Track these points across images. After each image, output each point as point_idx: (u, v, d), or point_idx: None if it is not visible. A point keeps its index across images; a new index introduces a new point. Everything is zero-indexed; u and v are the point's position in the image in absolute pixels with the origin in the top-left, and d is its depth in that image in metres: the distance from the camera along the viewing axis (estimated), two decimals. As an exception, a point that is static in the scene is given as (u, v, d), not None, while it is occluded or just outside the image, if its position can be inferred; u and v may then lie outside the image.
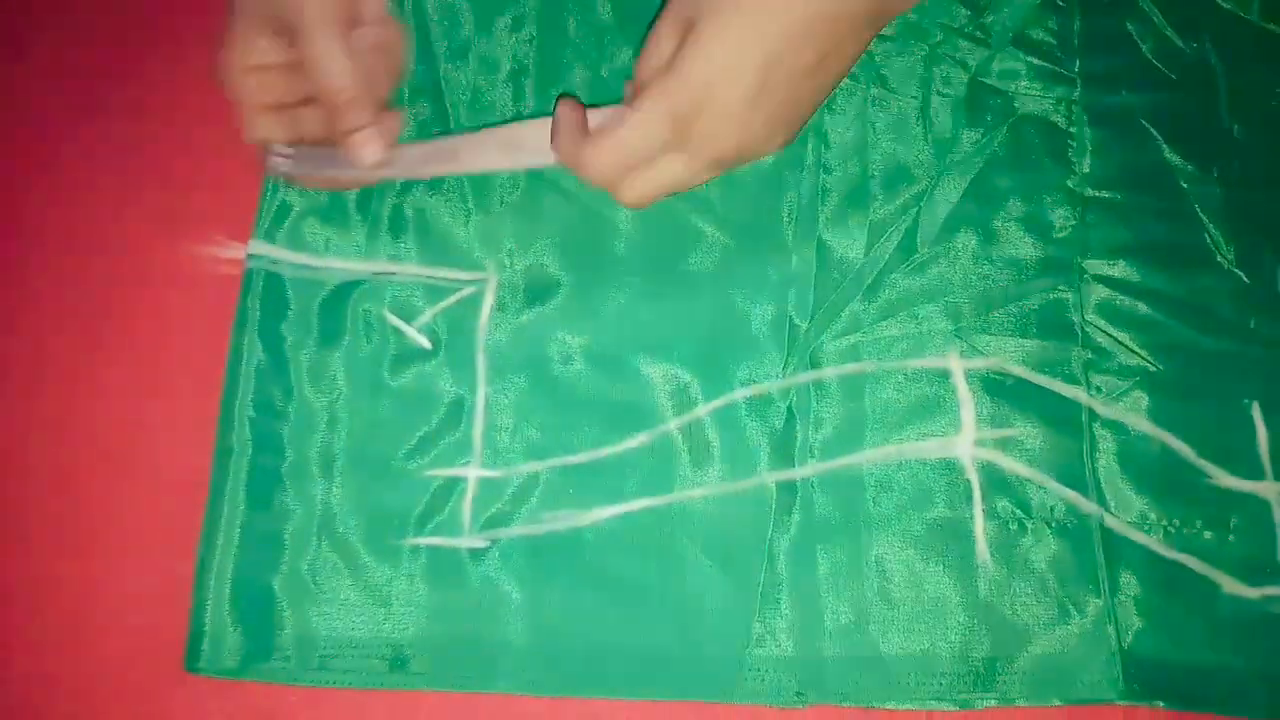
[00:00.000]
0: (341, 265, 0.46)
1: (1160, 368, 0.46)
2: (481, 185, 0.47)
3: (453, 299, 0.46)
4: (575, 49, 0.49)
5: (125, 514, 0.44)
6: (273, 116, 0.44)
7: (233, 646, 0.42)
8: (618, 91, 0.47)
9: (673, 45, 0.41)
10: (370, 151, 0.43)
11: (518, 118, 0.48)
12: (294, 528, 0.43)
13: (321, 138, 0.44)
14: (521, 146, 0.45)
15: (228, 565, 0.43)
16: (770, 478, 0.44)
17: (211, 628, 0.42)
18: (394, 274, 0.46)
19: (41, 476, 0.45)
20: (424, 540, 0.43)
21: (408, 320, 0.46)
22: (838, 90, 0.48)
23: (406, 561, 0.43)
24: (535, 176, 0.48)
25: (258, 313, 0.46)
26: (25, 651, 0.43)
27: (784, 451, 0.45)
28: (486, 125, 0.47)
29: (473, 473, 0.44)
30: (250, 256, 0.46)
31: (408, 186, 0.47)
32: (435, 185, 0.47)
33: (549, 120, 0.44)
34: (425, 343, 0.45)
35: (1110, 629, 0.43)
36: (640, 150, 0.41)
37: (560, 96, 0.44)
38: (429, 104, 0.48)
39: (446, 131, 0.48)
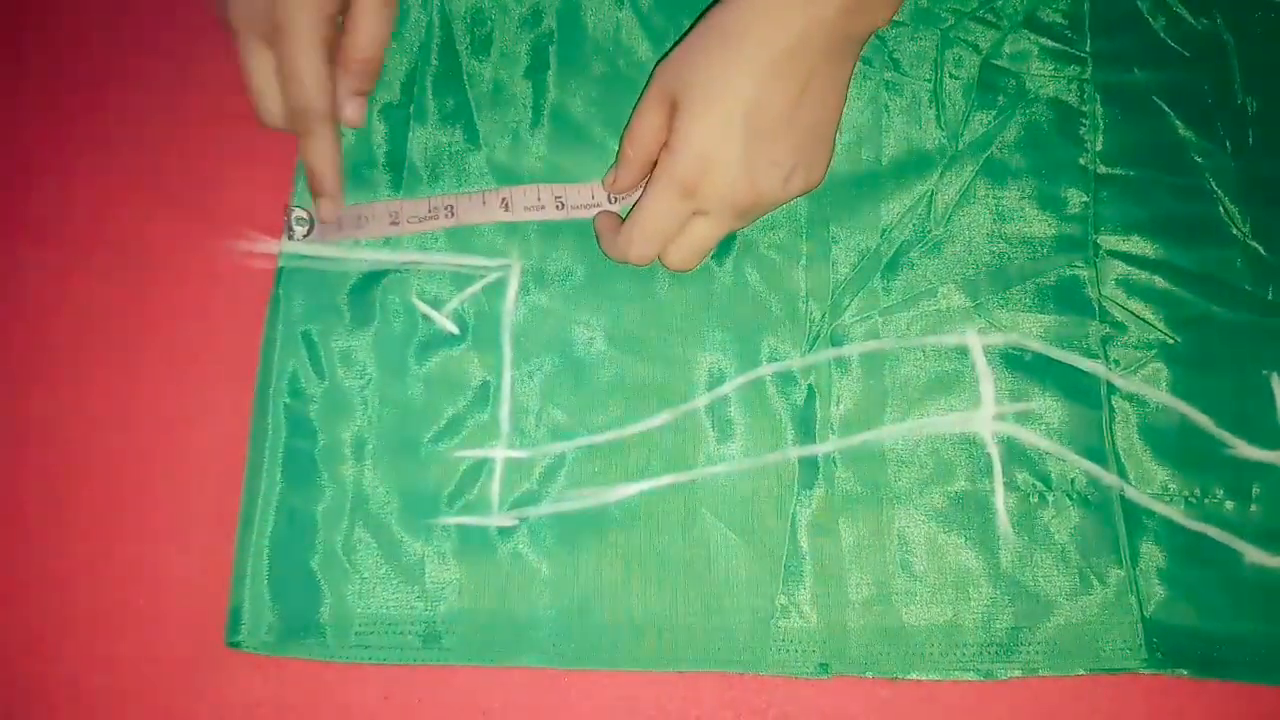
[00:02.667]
0: (371, 256, 0.48)
1: (1178, 340, 0.46)
2: (505, 174, 0.49)
3: (478, 285, 0.47)
4: (594, 43, 0.51)
5: (168, 499, 0.46)
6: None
7: (270, 623, 0.43)
8: (635, 85, 0.48)
9: (658, 120, 0.44)
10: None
11: (537, 111, 0.49)
12: (328, 508, 0.44)
13: None
14: (513, 205, 0.47)
15: (264, 545, 0.44)
16: (793, 453, 0.45)
17: (250, 604, 0.43)
18: (421, 263, 0.47)
19: (86, 465, 0.46)
20: (454, 520, 0.44)
21: (435, 306, 0.47)
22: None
23: (437, 540, 0.44)
24: (554, 168, 0.49)
25: (290, 303, 0.47)
26: (77, 631, 0.44)
27: (806, 428, 0.45)
28: (504, 126, 0.49)
29: (500, 454, 0.45)
30: (283, 255, 0.48)
31: (434, 176, 0.49)
32: (461, 178, 0.49)
33: (537, 186, 0.48)
34: (453, 328, 0.47)
35: (1132, 599, 0.43)
36: (663, 227, 0.44)
37: (600, 213, 0.47)
38: (452, 98, 0.50)
39: (471, 124, 0.49)
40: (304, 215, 0.48)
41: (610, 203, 0.48)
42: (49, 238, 0.49)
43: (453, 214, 0.47)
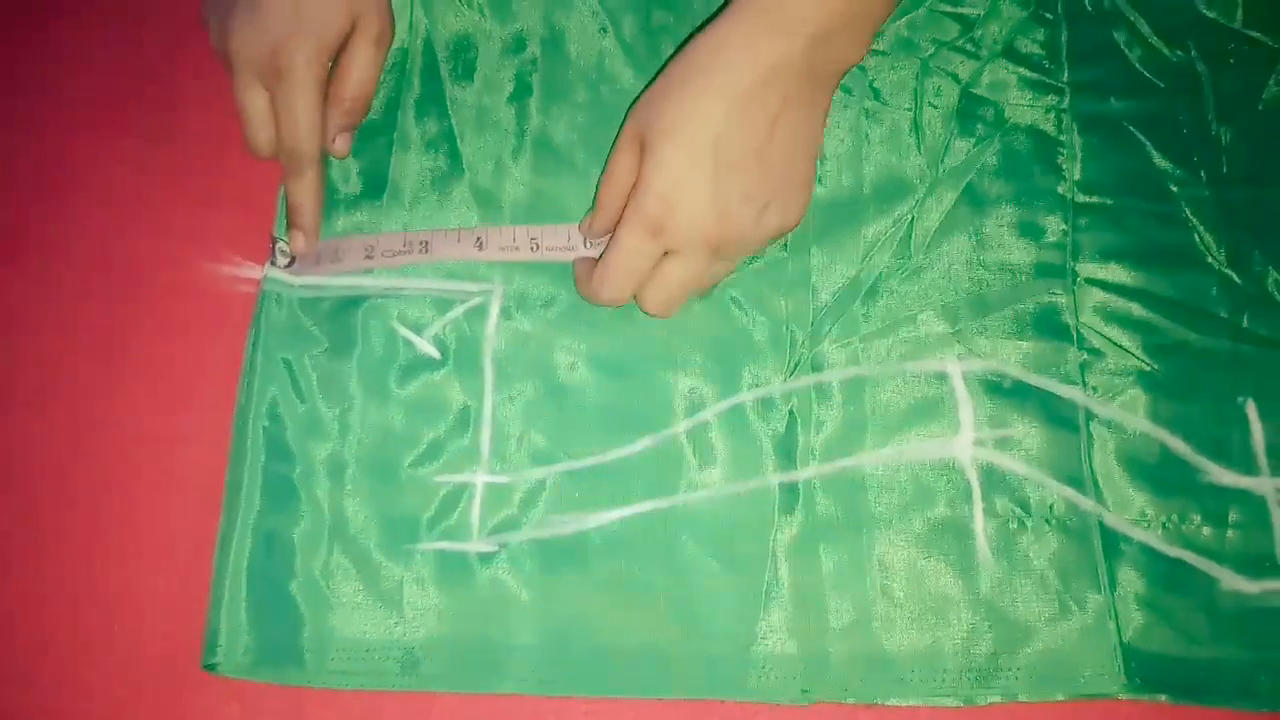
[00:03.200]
0: (353, 281, 0.48)
1: (1155, 367, 0.46)
2: (487, 199, 0.49)
3: (460, 310, 0.47)
4: (577, 70, 0.51)
5: (147, 519, 0.45)
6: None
7: (247, 645, 0.43)
8: (618, 112, 0.49)
9: (630, 161, 0.44)
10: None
11: (520, 138, 0.50)
12: (307, 532, 0.44)
13: None
14: (488, 244, 0.47)
15: (243, 568, 0.44)
16: (773, 479, 0.45)
17: (227, 626, 0.43)
18: (403, 288, 0.47)
19: (64, 484, 0.46)
20: (433, 545, 0.44)
21: (416, 331, 0.47)
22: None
23: (416, 565, 0.44)
24: (537, 193, 0.49)
25: (271, 326, 0.47)
26: (52, 653, 0.44)
27: (786, 454, 0.45)
28: (487, 152, 0.50)
29: (480, 478, 0.45)
30: (266, 280, 0.48)
31: (416, 201, 0.49)
32: (444, 202, 0.49)
33: (513, 228, 0.48)
34: (434, 352, 0.47)
35: (1111, 624, 0.43)
36: (633, 266, 0.44)
37: (576, 261, 0.47)
38: (435, 123, 0.50)
39: (454, 149, 0.49)
40: (287, 247, 0.48)
41: (586, 247, 0.47)
42: (34, 257, 0.49)
43: (427, 250, 0.47)
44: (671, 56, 0.45)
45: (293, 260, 0.48)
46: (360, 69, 0.48)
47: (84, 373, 0.47)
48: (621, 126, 0.45)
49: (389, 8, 0.49)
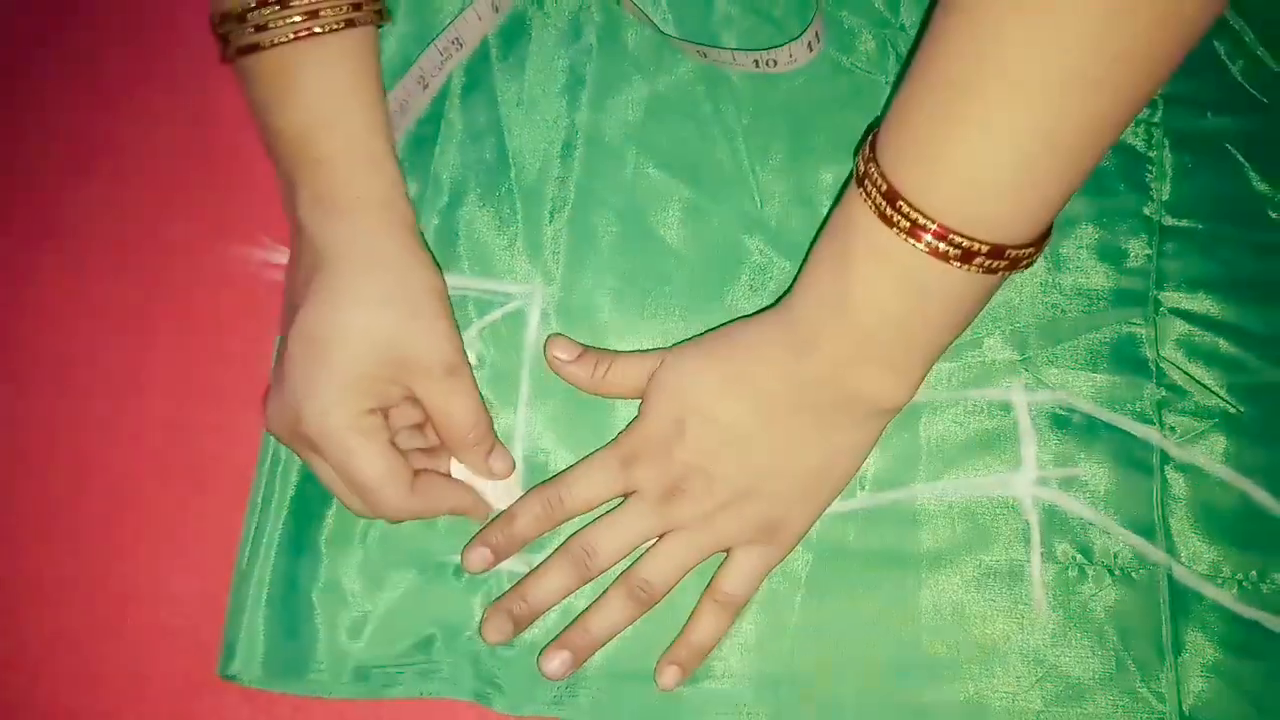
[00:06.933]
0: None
1: (1241, 410, 0.43)
2: (531, 198, 0.47)
3: (498, 313, 0.45)
4: (634, 61, 0.48)
5: (170, 517, 0.45)
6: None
7: (265, 656, 0.42)
8: (673, 105, 0.47)
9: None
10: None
11: (571, 129, 0.47)
12: (330, 539, 0.43)
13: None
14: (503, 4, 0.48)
15: (265, 576, 0.43)
16: (819, 510, 0.43)
17: (245, 636, 0.42)
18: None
19: (89, 477, 0.45)
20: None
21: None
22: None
23: (437, 577, 0.43)
24: (584, 192, 0.47)
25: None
26: (72, 647, 0.44)
27: (833, 483, 0.43)
28: (534, 146, 0.47)
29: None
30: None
31: (456, 197, 0.47)
32: (486, 197, 0.47)
33: None
34: (471, 358, 0.45)
35: (1172, 690, 0.40)
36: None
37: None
38: (483, 114, 0.48)
39: (501, 141, 0.47)
40: None
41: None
42: (64, 243, 0.48)
43: (461, 45, 0.47)
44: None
45: None
46: (440, 407, 0.41)
47: (114, 360, 0.47)
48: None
49: (449, 328, 0.41)
